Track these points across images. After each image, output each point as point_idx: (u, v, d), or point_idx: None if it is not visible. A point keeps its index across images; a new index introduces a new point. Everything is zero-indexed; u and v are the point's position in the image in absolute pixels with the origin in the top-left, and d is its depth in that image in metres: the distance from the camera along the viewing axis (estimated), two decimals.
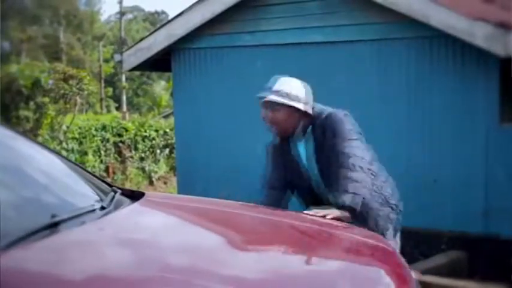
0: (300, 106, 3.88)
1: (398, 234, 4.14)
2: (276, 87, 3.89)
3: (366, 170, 3.75)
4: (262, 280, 2.28)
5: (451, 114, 6.84)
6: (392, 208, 3.99)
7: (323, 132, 3.88)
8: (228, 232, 2.89)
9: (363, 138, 3.91)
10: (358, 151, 3.77)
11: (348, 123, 3.86)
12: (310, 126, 3.94)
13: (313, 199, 4.01)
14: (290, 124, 3.94)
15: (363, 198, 3.72)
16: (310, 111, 3.93)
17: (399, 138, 7.13)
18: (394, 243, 3.96)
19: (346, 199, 3.63)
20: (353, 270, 2.60)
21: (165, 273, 2.14)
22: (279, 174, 4.09)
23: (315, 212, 3.55)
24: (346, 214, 3.60)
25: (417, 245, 6.95)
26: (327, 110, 3.95)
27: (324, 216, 3.51)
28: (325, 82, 7.41)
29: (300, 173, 4.05)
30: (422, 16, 6.64)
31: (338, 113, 3.91)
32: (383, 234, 3.84)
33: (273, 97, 3.86)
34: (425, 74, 6.97)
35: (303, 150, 4.02)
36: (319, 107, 3.98)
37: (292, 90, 3.89)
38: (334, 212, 3.57)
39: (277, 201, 4.01)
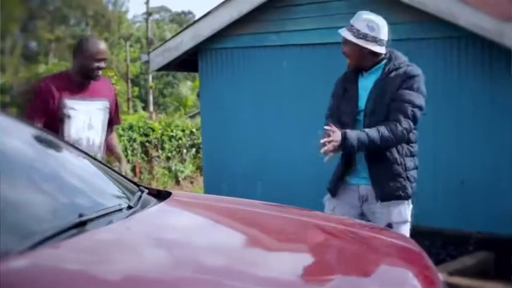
0: (367, 45, 3.99)
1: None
2: (352, 21, 4.03)
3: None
4: (292, 281, 2.28)
5: (479, 115, 6.78)
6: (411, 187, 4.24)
7: (395, 80, 4.02)
8: (256, 232, 2.89)
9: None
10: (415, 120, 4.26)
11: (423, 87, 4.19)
12: (381, 65, 4.08)
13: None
14: (359, 59, 4.06)
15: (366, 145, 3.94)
16: (380, 50, 4.04)
17: (426, 139, 7.07)
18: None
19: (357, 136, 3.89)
20: (380, 272, 2.59)
21: (195, 274, 2.13)
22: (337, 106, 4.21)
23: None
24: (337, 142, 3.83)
25: (444, 246, 6.92)
26: (405, 59, 4.15)
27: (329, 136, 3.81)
28: None
29: (351, 108, 4.14)
30: (450, 16, 6.59)
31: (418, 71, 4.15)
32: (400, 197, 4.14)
33: (344, 32, 4.02)
34: (452, 74, 6.92)
35: (365, 84, 4.12)
36: (397, 52, 4.14)
37: (364, 28, 3.98)
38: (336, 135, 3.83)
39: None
